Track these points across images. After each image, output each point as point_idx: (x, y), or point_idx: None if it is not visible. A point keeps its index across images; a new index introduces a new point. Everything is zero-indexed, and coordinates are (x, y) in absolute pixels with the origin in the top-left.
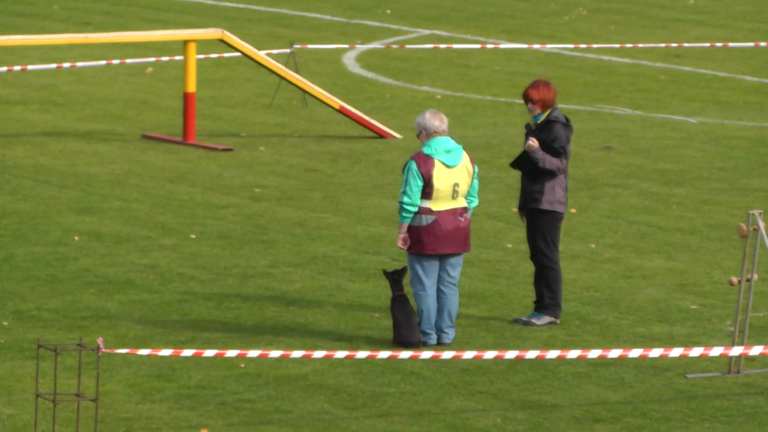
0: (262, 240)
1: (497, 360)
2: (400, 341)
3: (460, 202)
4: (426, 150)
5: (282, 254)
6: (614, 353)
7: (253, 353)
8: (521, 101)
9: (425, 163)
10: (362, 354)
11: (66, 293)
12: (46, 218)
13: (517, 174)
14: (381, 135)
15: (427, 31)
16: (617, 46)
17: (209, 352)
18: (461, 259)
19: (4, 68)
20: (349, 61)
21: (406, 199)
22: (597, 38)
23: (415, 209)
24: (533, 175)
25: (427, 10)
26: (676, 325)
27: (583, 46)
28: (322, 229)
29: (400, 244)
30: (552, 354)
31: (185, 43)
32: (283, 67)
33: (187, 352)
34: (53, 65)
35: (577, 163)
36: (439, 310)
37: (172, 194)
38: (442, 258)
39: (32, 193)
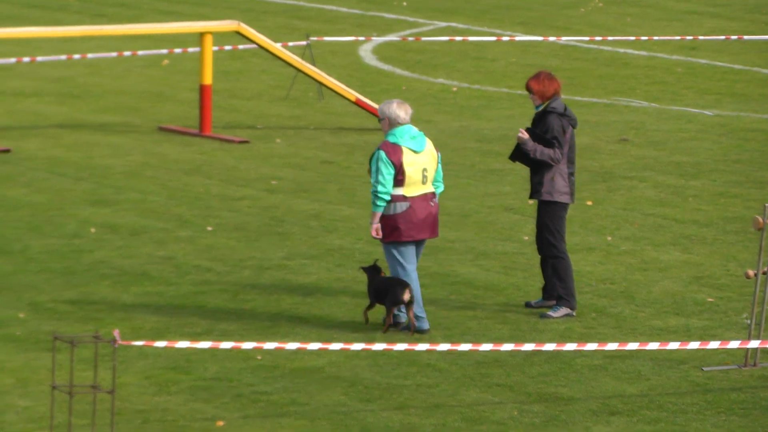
0: (277, 232)
1: (513, 352)
2: (393, 300)
3: (429, 187)
4: (391, 138)
5: (298, 246)
6: (631, 346)
7: (270, 345)
8: None
9: (394, 151)
10: (379, 346)
11: (82, 285)
12: (61, 210)
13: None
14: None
15: (443, 24)
16: (633, 38)
17: (225, 344)
18: (423, 245)
19: (13, 59)
20: (365, 53)
21: (380, 188)
22: (613, 30)
23: (389, 198)
24: (532, 166)
25: (443, 3)
26: (692, 317)
27: (598, 38)
28: (338, 221)
29: (373, 234)
30: (569, 346)
31: (201, 35)
32: (299, 59)
33: (203, 344)
34: (66, 56)
35: (593, 155)
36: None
37: (188, 186)
38: (417, 244)
39: (47, 185)
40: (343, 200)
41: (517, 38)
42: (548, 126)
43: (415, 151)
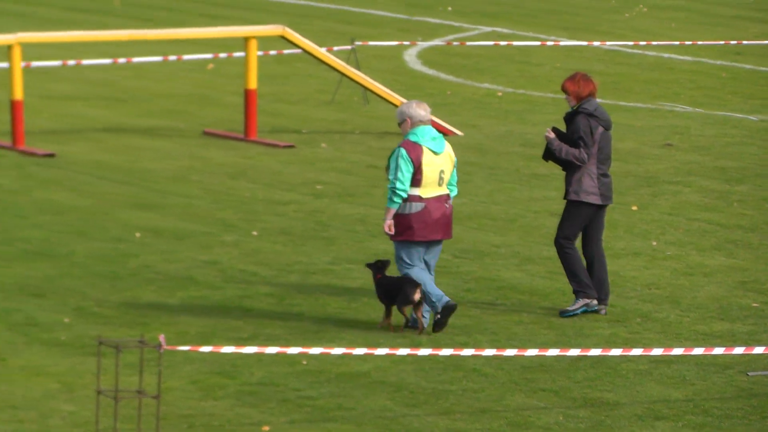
0: (323, 237)
1: (559, 357)
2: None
3: (444, 189)
4: (412, 137)
5: (343, 251)
6: (676, 351)
7: (315, 350)
8: None
9: (414, 149)
10: (424, 351)
11: (127, 290)
12: (107, 214)
13: None
14: (442, 131)
15: (487, 28)
16: (677, 43)
17: (271, 349)
18: (440, 246)
19: (59, 63)
20: (410, 57)
21: (399, 185)
22: (657, 35)
23: (406, 195)
24: (562, 166)
25: (488, 7)
26: (737, 322)
27: (643, 43)
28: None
29: (386, 229)
30: (614, 351)
31: (246, 39)
32: (344, 64)
33: (249, 349)
34: (111, 60)
35: (638, 160)
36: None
37: (233, 190)
38: (428, 245)
39: (92, 189)
40: None
41: (561, 43)
42: (575, 126)
43: (435, 152)
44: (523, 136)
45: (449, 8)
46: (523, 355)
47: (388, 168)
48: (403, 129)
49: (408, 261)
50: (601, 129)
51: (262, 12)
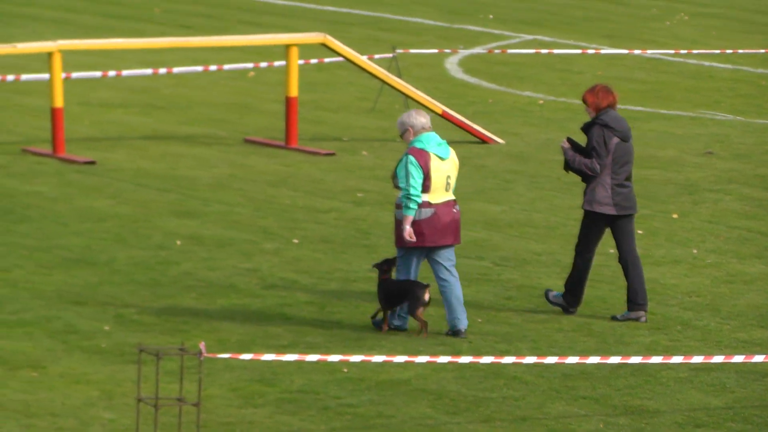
0: (364, 244)
1: (599, 365)
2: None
3: (451, 195)
4: (418, 145)
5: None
6: (717, 358)
7: (356, 358)
8: (623, 106)
9: (422, 156)
10: (465, 359)
11: (167, 297)
12: (147, 222)
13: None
14: (483, 140)
15: (529, 36)
16: (718, 51)
17: (311, 357)
18: (453, 250)
19: (99, 71)
20: (452, 65)
21: (413, 191)
22: (698, 43)
23: (420, 201)
24: (580, 176)
25: (529, 15)
26: None
27: (683, 51)
28: None
29: (407, 237)
30: (655, 359)
31: (287, 47)
32: (385, 72)
33: (289, 357)
34: (151, 68)
35: (679, 168)
36: (450, 300)
37: (274, 198)
38: (437, 249)
39: (133, 196)
40: None
41: (602, 51)
42: (589, 136)
43: (441, 158)
44: None
45: (490, 16)
46: (564, 363)
47: (393, 177)
48: (405, 138)
49: (414, 268)
50: (616, 140)
51: (302, 19)
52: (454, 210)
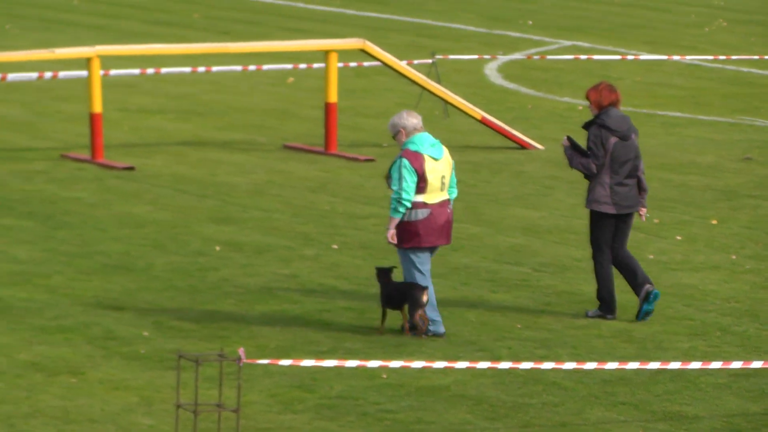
0: None
1: (638, 370)
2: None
3: (446, 194)
4: (412, 147)
5: None
6: (756, 364)
7: (395, 364)
8: (662, 112)
9: (416, 158)
10: (504, 364)
11: (206, 303)
12: (186, 228)
13: (655, 185)
14: (522, 145)
15: (568, 42)
16: (757, 57)
17: (351, 363)
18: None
19: (137, 75)
20: (491, 71)
21: (405, 195)
22: (737, 50)
23: (410, 205)
24: (583, 175)
25: (569, 21)
26: None
27: (722, 57)
28: (464, 240)
29: (389, 239)
30: (694, 365)
31: (326, 53)
32: (424, 77)
33: (329, 363)
34: (190, 69)
35: (717, 174)
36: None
37: (313, 204)
38: (431, 250)
39: (172, 202)
40: (469, 218)
41: (641, 57)
42: (588, 136)
43: (435, 159)
44: None
45: (530, 22)
46: (603, 369)
47: (388, 177)
48: (398, 140)
49: (420, 267)
50: (614, 139)
51: (341, 25)
52: (448, 210)
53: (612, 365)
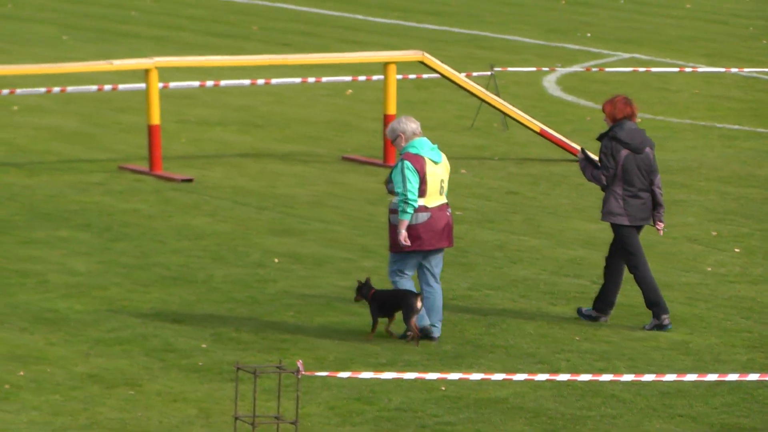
0: (461, 263)
1: (696, 383)
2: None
3: (444, 198)
4: (412, 150)
5: (482, 277)
6: None
7: (454, 376)
8: (721, 125)
9: (417, 161)
10: (563, 377)
11: (265, 315)
12: (245, 240)
13: (713, 197)
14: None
15: (626, 55)
16: None
17: (409, 375)
18: (443, 254)
19: (196, 87)
20: (549, 83)
21: (411, 195)
22: None
23: (417, 205)
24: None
25: (627, 33)
26: None
27: None
28: (523, 252)
29: (402, 241)
30: (752, 377)
31: (385, 64)
32: (483, 90)
33: (388, 375)
34: (249, 81)
35: None
36: (429, 308)
37: (372, 216)
38: (430, 254)
39: (231, 214)
40: (528, 231)
41: (700, 69)
42: (601, 148)
43: (434, 162)
44: (662, 163)
45: (588, 34)
46: (662, 381)
47: (388, 182)
48: (397, 145)
49: (405, 272)
50: (625, 152)
51: (400, 37)
52: (448, 213)
53: (670, 377)
